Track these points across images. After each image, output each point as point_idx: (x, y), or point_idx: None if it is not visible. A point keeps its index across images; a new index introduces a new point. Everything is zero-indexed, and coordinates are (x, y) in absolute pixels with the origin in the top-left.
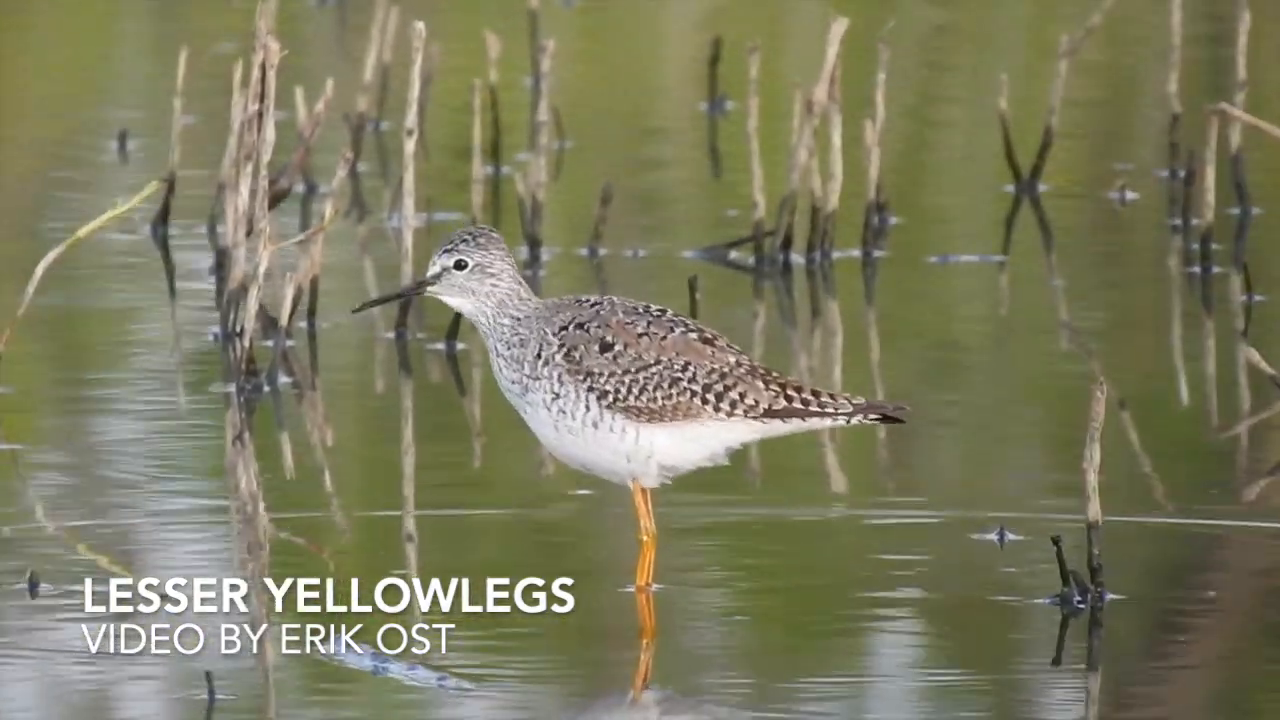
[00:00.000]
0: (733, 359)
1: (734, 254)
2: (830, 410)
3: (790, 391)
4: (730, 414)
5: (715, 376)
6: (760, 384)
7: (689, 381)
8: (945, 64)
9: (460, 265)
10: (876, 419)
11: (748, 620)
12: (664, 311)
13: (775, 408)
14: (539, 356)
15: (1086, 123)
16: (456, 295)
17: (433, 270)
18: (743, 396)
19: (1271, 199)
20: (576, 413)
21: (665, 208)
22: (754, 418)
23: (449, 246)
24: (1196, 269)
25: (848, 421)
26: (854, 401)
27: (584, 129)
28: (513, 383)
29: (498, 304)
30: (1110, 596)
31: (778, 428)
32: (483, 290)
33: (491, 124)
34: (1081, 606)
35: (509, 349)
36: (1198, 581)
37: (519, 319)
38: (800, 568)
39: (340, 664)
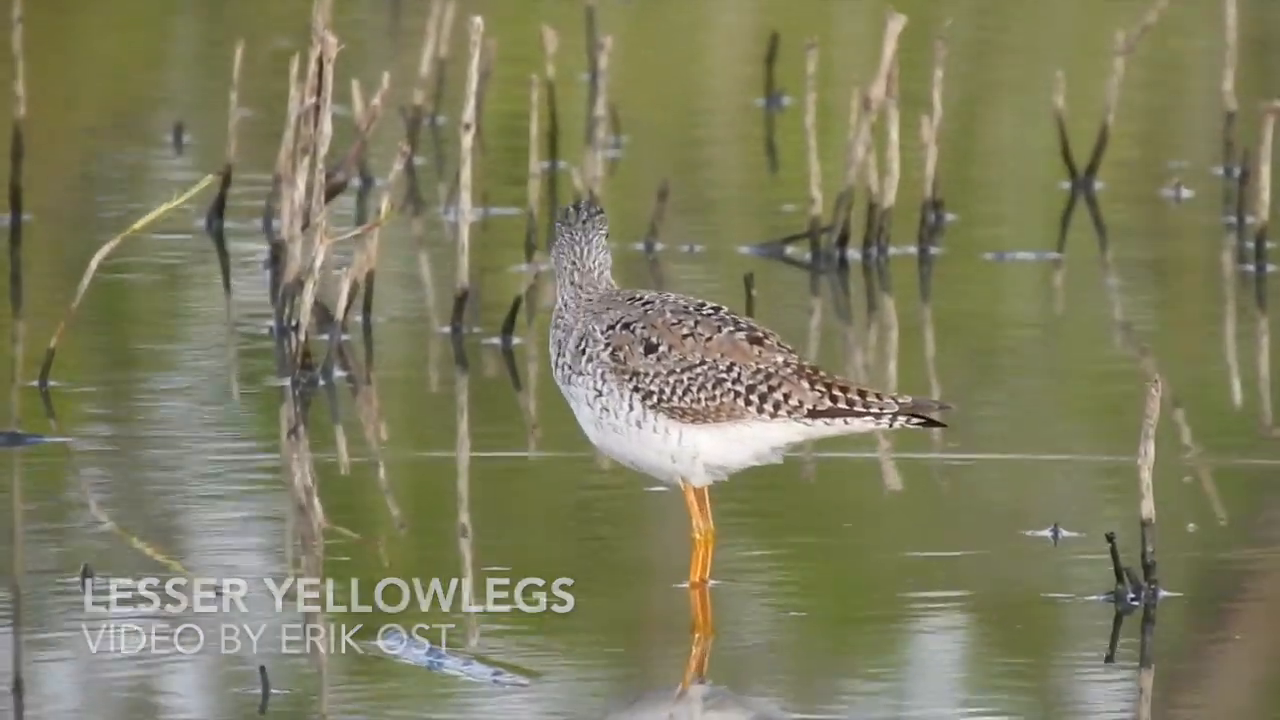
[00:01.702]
0: (780, 358)
1: (790, 250)
2: (874, 411)
3: (835, 392)
4: (774, 415)
5: (760, 377)
6: (805, 384)
7: (733, 383)
8: (1001, 61)
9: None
10: (920, 422)
11: (800, 616)
12: (716, 310)
13: (819, 409)
14: (582, 351)
15: (1142, 120)
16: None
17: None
18: (787, 397)
19: None
20: (620, 412)
21: (721, 203)
22: (797, 419)
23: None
24: (1251, 267)
25: (890, 424)
26: (900, 400)
27: (641, 124)
28: (555, 366)
29: (556, 277)
30: (1164, 594)
31: (822, 429)
32: (554, 258)
33: (548, 119)
34: (1135, 604)
35: (555, 329)
36: (1251, 579)
37: (566, 304)
38: (852, 563)
39: (396, 659)
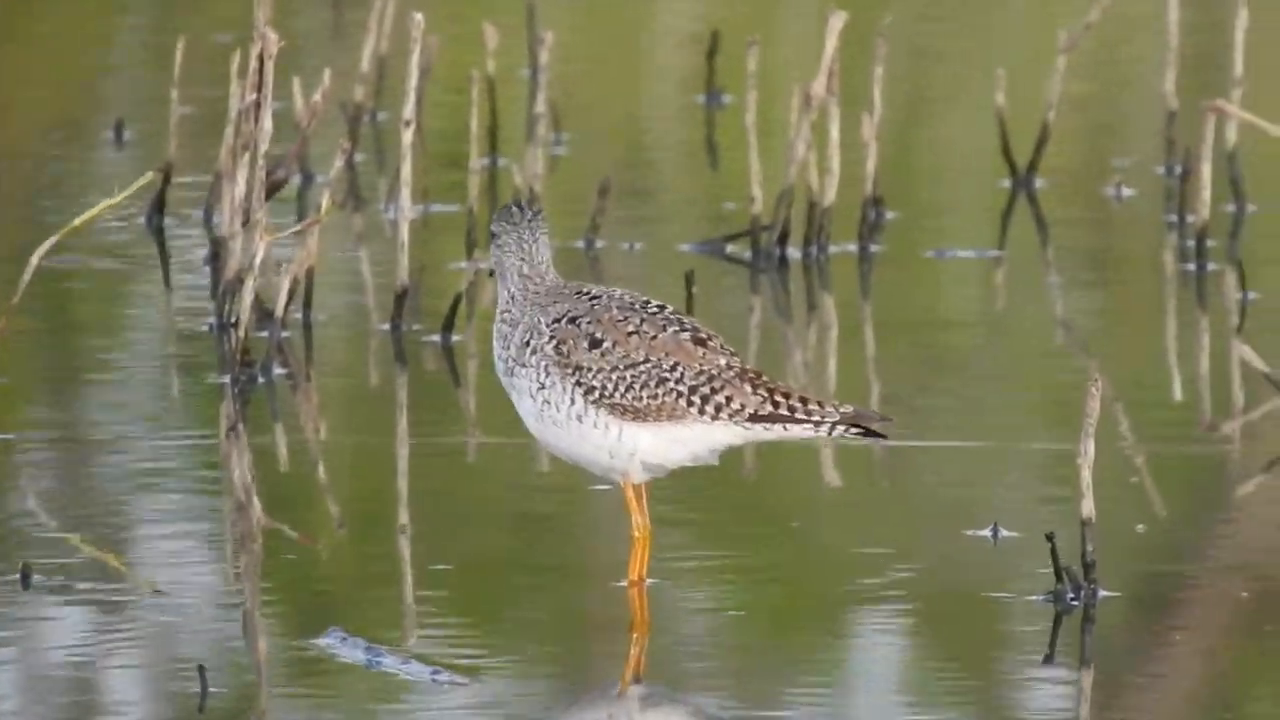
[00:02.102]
0: (723, 361)
1: (730, 247)
2: (815, 419)
3: (778, 397)
4: (715, 417)
5: (702, 378)
6: (748, 388)
7: (675, 382)
8: (942, 59)
9: (491, 235)
10: (859, 432)
11: (739, 615)
12: (662, 308)
13: (760, 413)
14: (527, 344)
15: (1084, 118)
16: (493, 265)
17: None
18: (728, 400)
19: (1267, 196)
20: (562, 405)
21: (662, 201)
22: (738, 422)
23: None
24: (1192, 266)
25: (829, 433)
26: (841, 409)
27: (581, 121)
28: (499, 359)
29: (500, 275)
30: (1103, 593)
31: (761, 434)
32: (496, 259)
33: (489, 115)
34: (1075, 603)
35: (501, 322)
36: (1190, 578)
37: (514, 296)
38: (792, 562)
39: (333, 656)
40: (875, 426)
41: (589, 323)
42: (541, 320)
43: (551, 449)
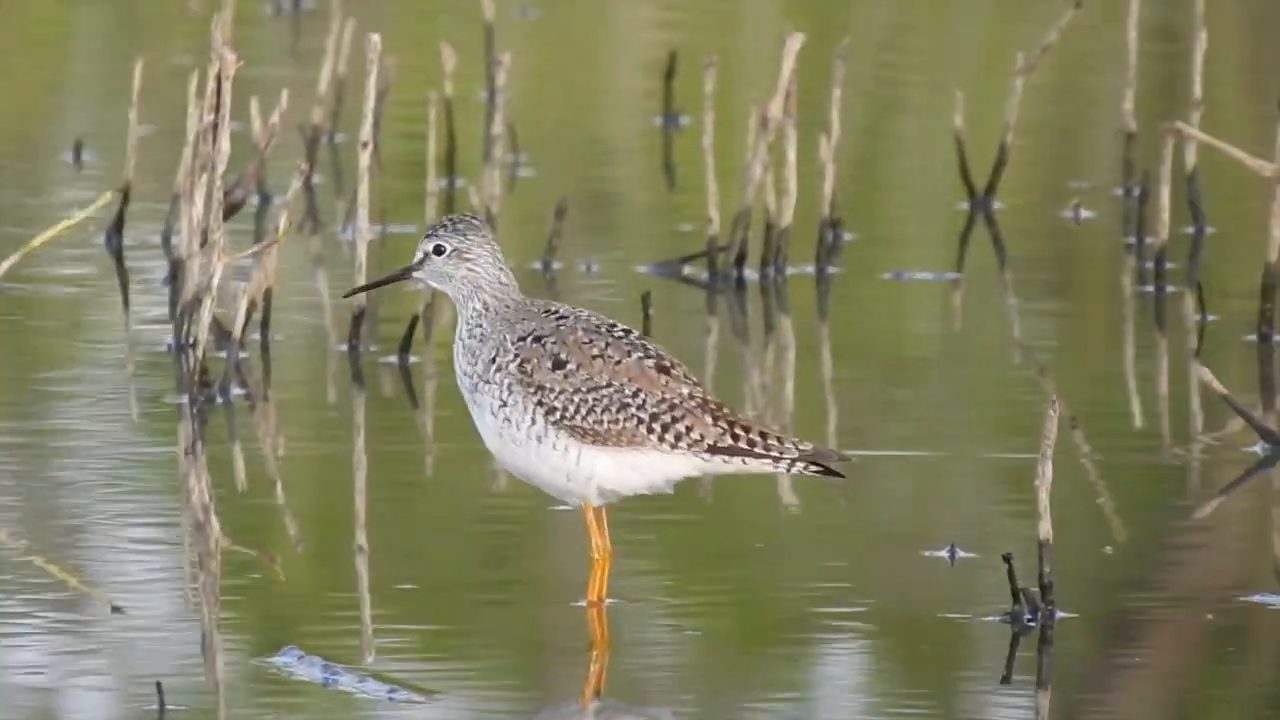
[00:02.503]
0: (686, 390)
1: (688, 269)
2: (774, 455)
3: (738, 430)
4: (674, 446)
5: (664, 407)
6: (709, 419)
7: (637, 409)
8: (900, 80)
9: (439, 250)
10: (818, 470)
11: (698, 636)
12: (628, 333)
13: (719, 445)
14: (493, 361)
15: (1042, 140)
16: (437, 280)
17: (417, 256)
18: (688, 430)
19: (1226, 218)
20: (522, 424)
21: (619, 222)
22: (696, 453)
23: (429, 232)
24: (1150, 288)
25: (788, 469)
26: (800, 447)
27: (539, 142)
28: (464, 374)
29: (473, 288)
30: (1060, 614)
31: (720, 466)
32: (459, 274)
33: (446, 137)
34: (1032, 624)
35: (469, 338)
36: (1148, 599)
37: (489, 307)
38: (751, 583)
39: (290, 675)
40: (834, 465)
41: (554, 343)
42: (508, 337)
43: (509, 468)
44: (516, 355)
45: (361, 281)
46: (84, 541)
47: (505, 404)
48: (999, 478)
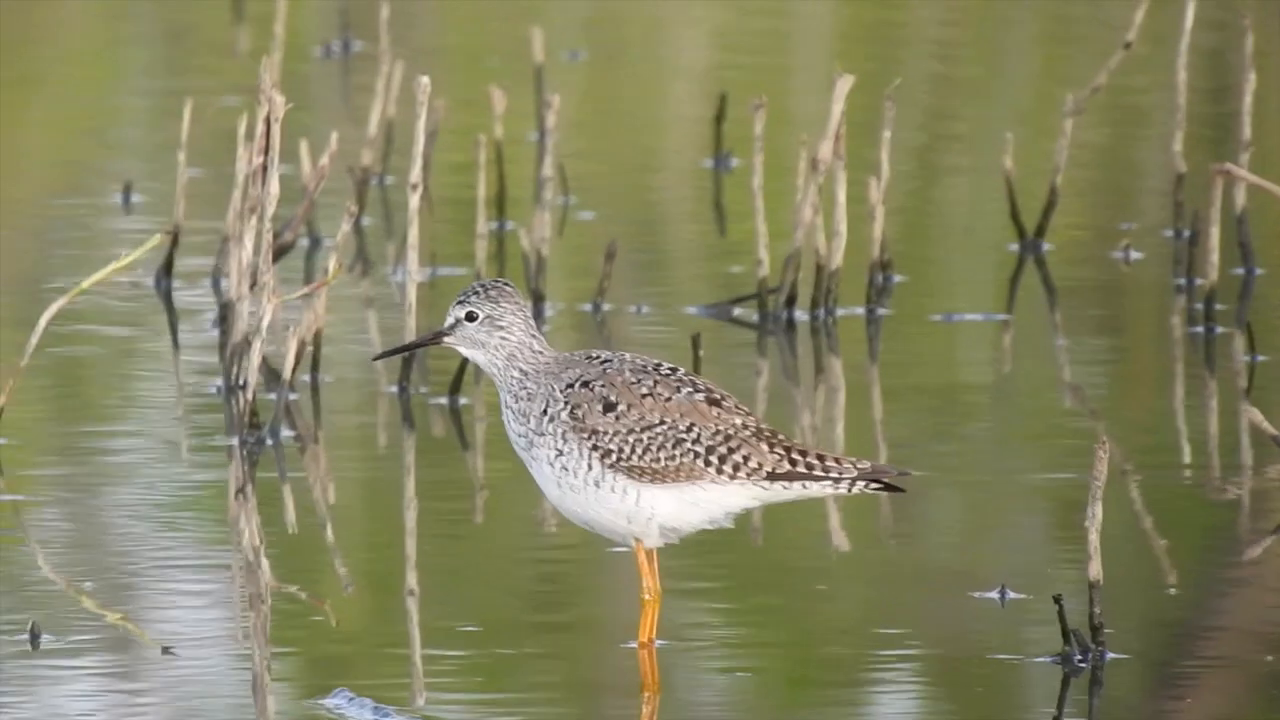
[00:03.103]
0: (739, 420)
1: (738, 311)
2: (833, 476)
3: (795, 455)
4: (733, 477)
5: (719, 438)
6: (764, 447)
7: (692, 443)
8: (950, 121)
9: (471, 317)
10: (878, 487)
11: (748, 677)
12: (674, 371)
13: (778, 471)
14: (545, 413)
15: (1091, 181)
16: (468, 346)
17: (448, 321)
18: (746, 459)
19: (1275, 259)
20: (579, 471)
21: (669, 264)
22: (756, 481)
23: (461, 298)
24: (1200, 329)
25: (849, 489)
26: (859, 465)
27: (589, 184)
28: (519, 435)
29: (507, 356)
30: (1111, 655)
31: (780, 493)
32: (492, 342)
33: (496, 179)
34: (1082, 665)
35: (517, 401)
36: (1199, 641)
37: (527, 372)
38: (801, 624)
39: (341, 717)
40: (893, 480)
41: (602, 386)
42: (555, 387)
43: (569, 515)
44: (567, 402)
45: (411, 324)
46: (134, 583)
47: (561, 453)
48: (1049, 518)
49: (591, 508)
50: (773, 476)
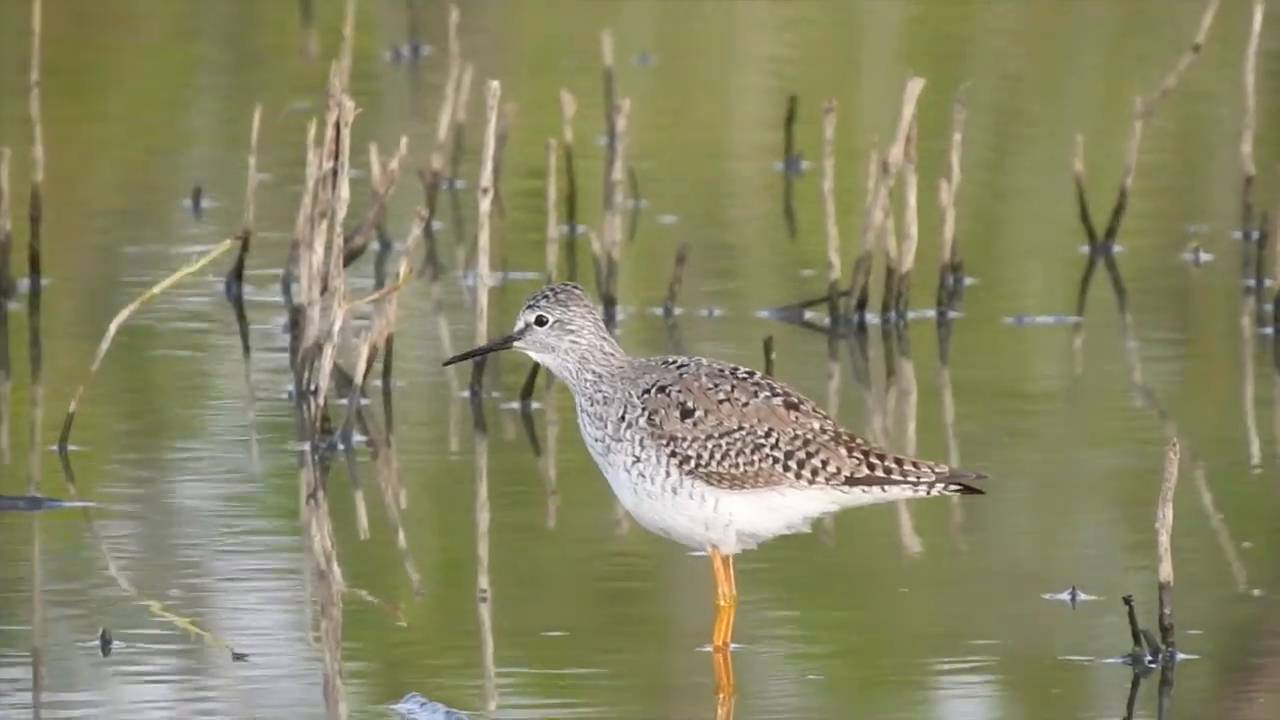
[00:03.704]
0: (816, 425)
1: (809, 314)
2: (912, 479)
3: (873, 459)
4: (811, 482)
5: (798, 443)
6: (843, 451)
7: (771, 448)
8: (1020, 124)
9: (541, 321)
10: (957, 489)
11: (821, 680)
12: (751, 374)
13: (856, 475)
14: (623, 419)
15: (1161, 183)
16: (539, 351)
17: (518, 326)
18: (825, 464)
19: None
20: (656, 477)
21: (740, 267)
22: (835, 486)
23: (531, 303)
24: (1270, 330)
25: (928, 492)
26: (937, 470)
27: (659, 188)
28: (596, 440)
29: (579, 360)
30: (1181, 657)
31: (859, 497)
32: (563, 346)
33: (567, 183)
34: (1153, 666)
35: (592, 405)
36: (1269, 641)
37: (601, 376)
38: (873, 627)
39: None
40: (971, 484)
41: (679, 391)
42: (632, 393)
43: (645, 523)
44: (644, 408)
45: (482, 328)
46: (206, 589)
47: (638, 459)
48: (1120, 519)
49: (669, 514)
50: (852, 481)
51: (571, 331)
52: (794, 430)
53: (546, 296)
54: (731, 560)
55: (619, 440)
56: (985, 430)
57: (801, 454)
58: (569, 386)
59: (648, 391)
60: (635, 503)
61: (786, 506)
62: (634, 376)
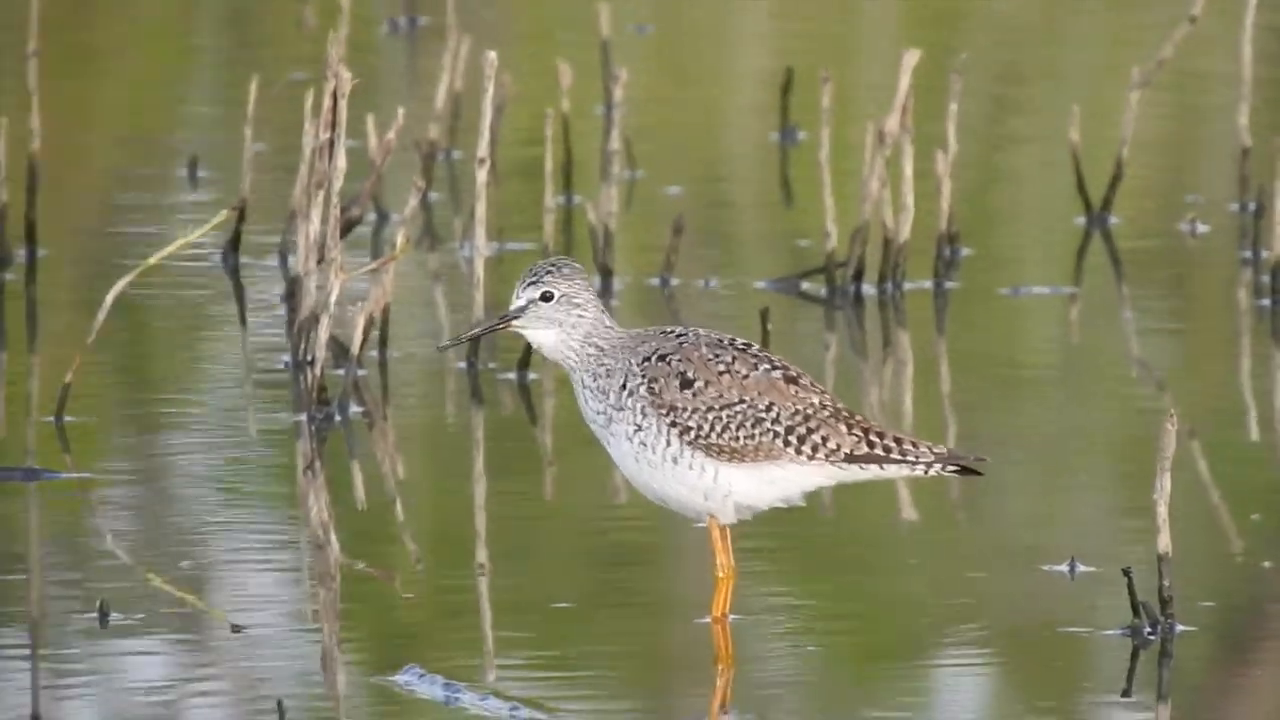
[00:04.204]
0: (816, 400)
1: (806, 285)
2: (910, 459)
3: (873, 437)
4: (811, 457)
5: (799, 418)
6: (843, 428)
7: (772, 422)
8: (1016, 95)
9: (547, 297)
10: (955, 470)
11: (820, 651)
12: (749, 346)
13: (856, 453)
14: (624, 387)
15: (1157, 155)
16: (542, 327)
17: (517, 304)
18: (825, 440)
19: None
20: (657, 446)
21: (737, 238)
22: (834, 462)
23: (533, 279)
24: (1266, 301)
25: (925, 472)
26: (935, 450)
27: (656, 158)
28: (598, 413)
29: (584, 335)
30: (1180, 628)
31: (857, 474)
32: (569, 321)
33: (564, 153)
34: (1152, 638)
35: (595, 380)
36: (1268, 613)
37: (604, 349)
38: (871, 598)
39: (411, 693)
40: (971, 464)
41: (679, 360)
42: (632, 361)
43: (644, 491)
44: (644, 376)
45: (479, 299)
46: (203, 560)
47: (640, 428)
48: (1119, 491)
49: (669, 484)
50: (851, 458)
51: (578, 306)
52: (794, 405)
53: (550, 271)
54: (729, 532)
55: (620, 409)
56: (981, 401)
57: (802, 429)
58: (564, 365)
59: (648, 360)
60: (635, 470)
61: (785, 480)
62: (633, 346)
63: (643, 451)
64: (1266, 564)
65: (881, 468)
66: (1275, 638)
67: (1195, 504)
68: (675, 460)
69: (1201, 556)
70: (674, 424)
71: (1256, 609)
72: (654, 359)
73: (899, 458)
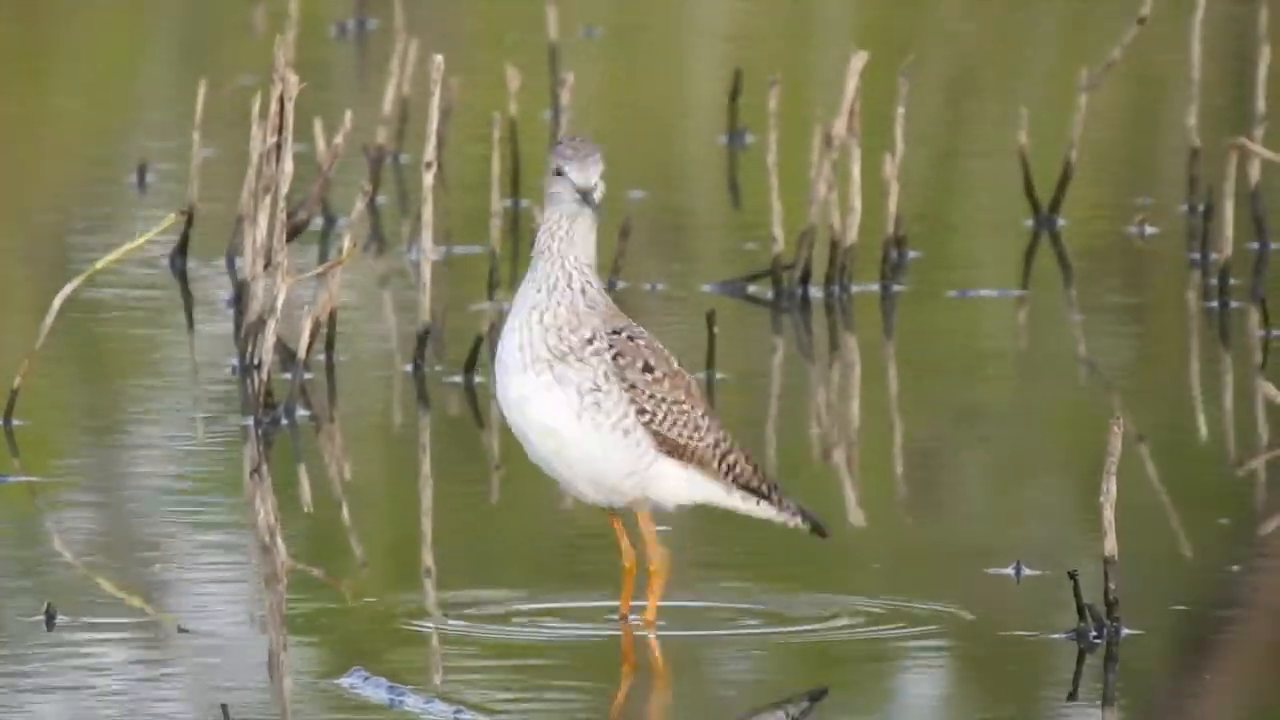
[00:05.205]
0: (718, 424)
1: (752, 287)
2: (782, 505)
3: (760, 474)
4: (726, 475)
5: (722, 434)
6: (743, 457)
7: (706, 431)
8: (965, 98)
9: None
10: (809, 528)
11: (763, 654)
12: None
13: (751, 485)
14: (590, 341)
15: (1106, 157)
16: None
17: (592, 178)
18: (735, 463)
19: None
20: (613, 414)
21: (684, 241)
22: (736, 485)
23: (594, 154)
24: (1215, 304)
25: (788, 523)
26: (800, 506)
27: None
28: (557, 341)
29: (569, 233)
30: (1126, 631)
31: (737, 502)
32: (568, 208)
33: (511, 157)
34: (1098, 641)
35: (583, 296)
36: (1214, 617)
37: (593, 284)
38: (815, 599)
39: (356, 696)
40: (821, 528)
41: (645, 347)
42: (600, 326)
43: (565, 448)
44: (612, 346)
45: (425, 302)
46: (150, 563)
47: (598, 388)
48: (1065, 494)
49: (604, 451)
50: (746, 487)
51: (570, 228)
52: (717, 422)
53: (588, 146)
54: (651, 521)
55: (581, 360)
56: (929, 404)
57: (724, 445)
58: (554, 255)
59: (617, 333)
60: (572, 426)
61: (698, 486)
62: (606, 316)
63: (595, 411)
64: (1235, 568)
65: (757, 504)
66: (1223, 642)
67: (1142, 507)
68: (626, 433)
69: (1149, 559)
70: (633, 401)
71: (1203, 612)
72: (624, 335)
73: (776, 502)
